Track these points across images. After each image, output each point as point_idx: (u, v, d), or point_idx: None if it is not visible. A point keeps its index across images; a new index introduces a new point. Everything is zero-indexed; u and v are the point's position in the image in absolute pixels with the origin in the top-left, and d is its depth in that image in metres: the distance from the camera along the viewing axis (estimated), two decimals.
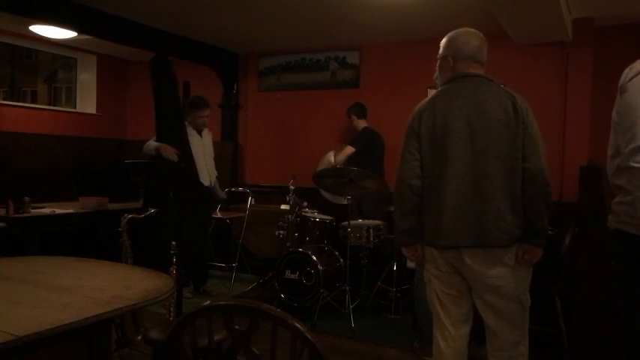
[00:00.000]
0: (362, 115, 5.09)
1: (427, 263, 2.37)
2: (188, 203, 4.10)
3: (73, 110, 6.60)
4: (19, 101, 6.41)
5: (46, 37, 5.39)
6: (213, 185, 4.86)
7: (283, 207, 4.99)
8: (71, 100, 6.80)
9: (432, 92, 5.26)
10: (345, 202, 4.25)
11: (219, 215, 5.31)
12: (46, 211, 4.47)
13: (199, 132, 4.79)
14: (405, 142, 2.31)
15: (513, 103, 2.17)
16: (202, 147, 4.77)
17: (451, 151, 2.18)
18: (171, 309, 3.18)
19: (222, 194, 5.14)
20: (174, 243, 3.12)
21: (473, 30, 2.32)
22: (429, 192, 2.24)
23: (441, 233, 2.19)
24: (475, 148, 2.16)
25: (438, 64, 2.40)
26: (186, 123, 4.69)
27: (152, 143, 4.43)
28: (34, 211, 4.35)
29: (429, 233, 2.26)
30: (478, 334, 3.45)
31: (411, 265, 4.39)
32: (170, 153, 4.28)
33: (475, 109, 2.18)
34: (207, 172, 4.76)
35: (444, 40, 2.38)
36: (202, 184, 4.68)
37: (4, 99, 6.24)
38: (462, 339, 2.34)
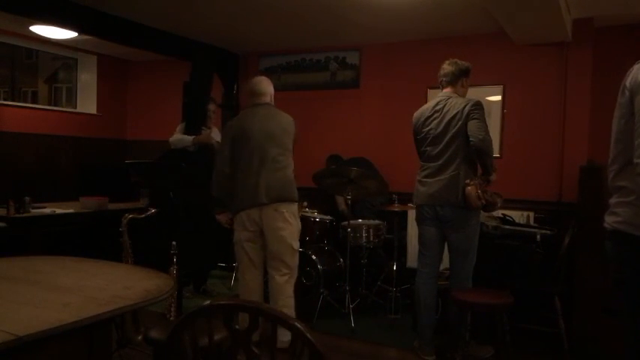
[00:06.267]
0: None
1: (241, 230, 3.41)
2: (190, 203, 4.10)
3: (74, 110, 6.60)
4: (19, 101, 6.40)
5: (47, 38, 5.39)
6: None
7: None
8: (71, 100, 6.80)
9: (431, 93, 5.27)
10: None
11: None
12: (47, 211, 4.46)
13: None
14: (222, 143, 3.56)
15: (287, 120, 3.53)
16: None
17: (253, 149, 3.37)
18: (172, 309, 3.18)
19: None
20: (174, 243, 3.12)
21: (262, 77, 3.70)
22: (241, 174, 3.39)
23: (256, 198, 3.32)
24: (265, 147, 3.37)
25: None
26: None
27: (186, 137, 4.59)
28: (35, 211, 4.35)
29: (243, 202, 3.37)
30: (478, 334, 3.45)
31: (411, 264, 4.39)
32: (208, 137, 4.59)
33: (265, 121, 3.44)
34: None
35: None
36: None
37: (4, 99, 6.24)
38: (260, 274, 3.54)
